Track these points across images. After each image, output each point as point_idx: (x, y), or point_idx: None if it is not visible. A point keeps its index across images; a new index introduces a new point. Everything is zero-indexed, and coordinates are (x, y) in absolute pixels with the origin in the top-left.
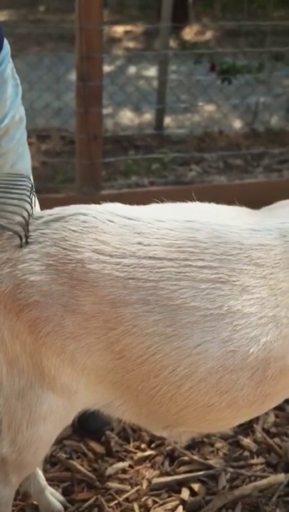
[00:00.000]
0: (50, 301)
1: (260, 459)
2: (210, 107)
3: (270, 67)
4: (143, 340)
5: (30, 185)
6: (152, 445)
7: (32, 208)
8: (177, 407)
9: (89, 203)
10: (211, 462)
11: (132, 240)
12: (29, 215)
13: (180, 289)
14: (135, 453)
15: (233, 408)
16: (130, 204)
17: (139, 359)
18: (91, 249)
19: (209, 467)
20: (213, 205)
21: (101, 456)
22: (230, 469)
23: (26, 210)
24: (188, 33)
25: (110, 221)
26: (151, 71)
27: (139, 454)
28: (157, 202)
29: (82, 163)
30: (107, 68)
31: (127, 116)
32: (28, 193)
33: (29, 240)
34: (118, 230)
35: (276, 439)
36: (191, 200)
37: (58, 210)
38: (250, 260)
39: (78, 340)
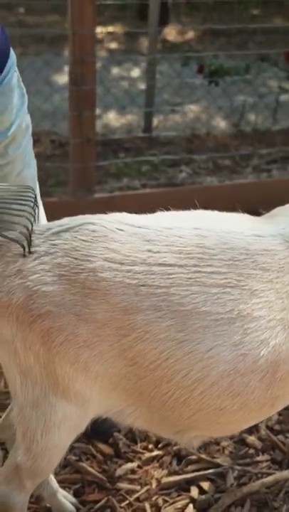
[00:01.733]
0: (63, 310)
1: (266, 456)
2: (197, 108)
3: (257, 67)
4: (156, 346)
5: (33, 197)
6: (159, 445)
7: (35, 219)
8: (190, 411)
9: (83, 207)
10: (218, 460)
11: (141, 247)
12: (32, 226)
13: (191, 294)
14: (143, 453)
15: (244, 411)
16: (125, 207)
17: (151, 365)
18: (102, 258)
19: (217, 465)
20: (215, 213)
21: (110, 457)
22: (238, 467)
23: (29, 221)
24: (170, 34)
25: (119, 230)
26: (136, 71)
27: (147, 455)
28: (153, 206)
29: (76, 166)
30: None
31: (115, 118)
32: (32, 204)
33: (40, 251)
34: (127, 238)
35: (280, 437)
36: (185, 201)
37: (66, 221)
38: (256, 265)
39: (91, 348)
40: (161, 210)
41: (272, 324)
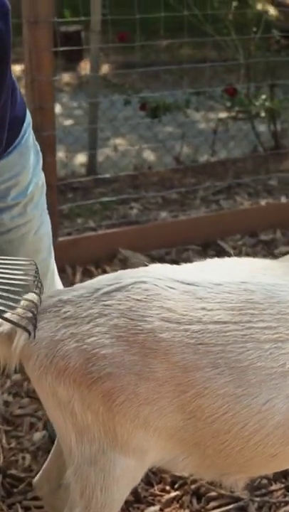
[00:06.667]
0: (124, 371)
1: (279, 485)
2: (139, 144)
3: (196, 102)
4: (214, 401)
5: (35, 271)
6: (176, 486)
7: (40, 298)
8: (244, 458)
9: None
10: (236, 494)
11: (195, 305)
12: (37, 307)
13: (246, 350)
14: (162, 496)
15: None
16: (88, 248)
17: (210, 418)
18: (159, 318)
19: (236, 499)
20: (249, 260)
21: (131, 503)
22: (256, 499)
23: (34, 304)
24: (84, 68)
25: (171, 288)
26: (57, 108)
27: (166, 496)
28: (116, 245)
29: None
30: None
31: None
32: (34, 280)
33: (93, 314)
34: (180, 296)
35: None
36: (148, 239)
37: (113, 279)
38: None
39: (152, 404)
40: (124, 249)
41: None
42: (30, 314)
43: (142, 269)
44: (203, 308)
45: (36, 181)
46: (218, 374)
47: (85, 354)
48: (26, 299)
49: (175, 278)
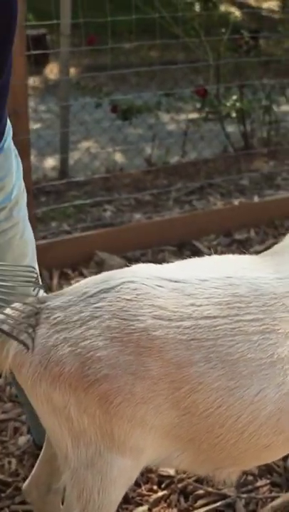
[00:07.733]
0: (120, 371)
1: (264, 481)
2: (110, 147)
3: (166, 103)
4: (208, 395)
5: (35, 278)
6: (162, 485)
7: (37, 309)
8: (238, 450)
9: None
10: (223, 491)
11: (185, 302)
12: (35, 319)
13: (237, 343)
14: (149, 495)
15: (286, 445)
16: (65, 252)
17: (204, 413)
18: (151, 316)
19: (224, 496)
20: (228, 256)
21: (119, 504)
22: (243, 495)
23: (30, 315)
24: (51, 71)
25: (159, 286)
26: None
27: (154, 496)
28: (93, 248)
29: None
30: None
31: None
32: (33, 287)
33: (84, 317)
34: (169, 294)
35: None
36: (126, 241)
37: (100, 282)
38: (285, 308)
39: (148, 403)
40: (100, 251)
41: None
42: (26, 326)
43: (127, 269)
44: (193, 304)
45: (19, 185)
46: (211, 368)
47: (80, 358)
48: (23, 309)
49: (162, 276)
